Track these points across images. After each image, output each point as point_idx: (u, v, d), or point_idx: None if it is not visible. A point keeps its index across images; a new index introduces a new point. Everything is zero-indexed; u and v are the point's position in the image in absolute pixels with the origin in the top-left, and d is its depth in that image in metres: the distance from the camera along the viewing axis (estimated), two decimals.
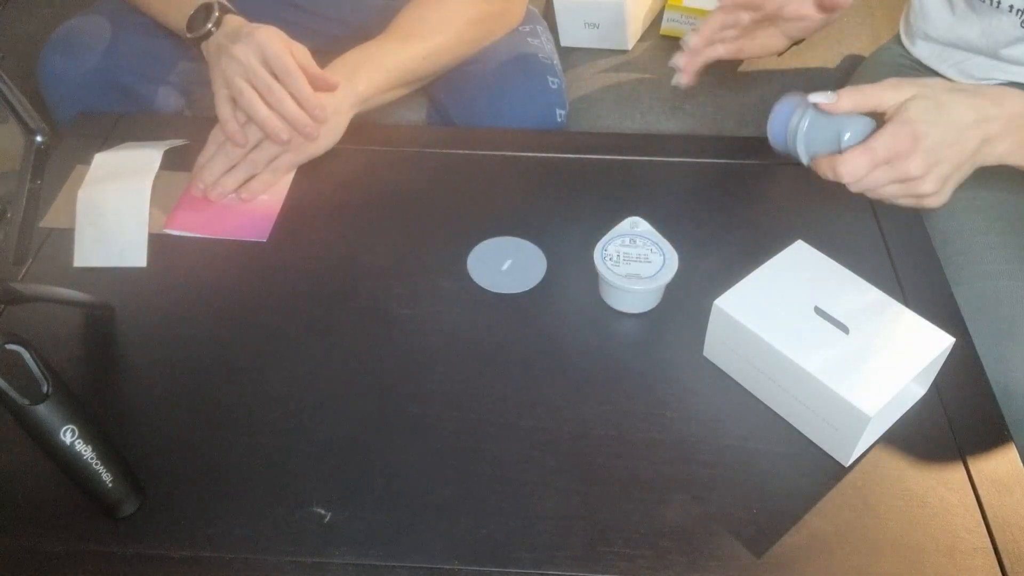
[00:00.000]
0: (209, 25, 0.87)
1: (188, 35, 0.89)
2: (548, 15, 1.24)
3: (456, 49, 0.99)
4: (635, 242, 0.75)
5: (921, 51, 1.04)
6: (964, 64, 0.98)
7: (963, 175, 0.70)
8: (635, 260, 0.74)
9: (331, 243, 0.82)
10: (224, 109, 0.82)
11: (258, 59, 0.80)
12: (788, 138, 0.72)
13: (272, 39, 0.81)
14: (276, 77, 0.81)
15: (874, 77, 1.00)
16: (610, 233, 0.76)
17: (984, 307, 0.80)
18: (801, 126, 0.71)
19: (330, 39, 1.01)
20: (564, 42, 1.24)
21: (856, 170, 0.68)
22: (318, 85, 0.84)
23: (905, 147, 0.67)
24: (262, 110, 0.80)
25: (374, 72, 0.90)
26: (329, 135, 0.87)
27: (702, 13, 1.21)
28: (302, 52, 0.84)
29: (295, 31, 0.89)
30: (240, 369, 0.71)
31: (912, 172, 0.68)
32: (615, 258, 0.74)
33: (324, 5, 1.11)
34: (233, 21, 0.88)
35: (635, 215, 0.77)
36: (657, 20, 1.27)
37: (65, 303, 0.73)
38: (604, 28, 1.21)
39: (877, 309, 0.67)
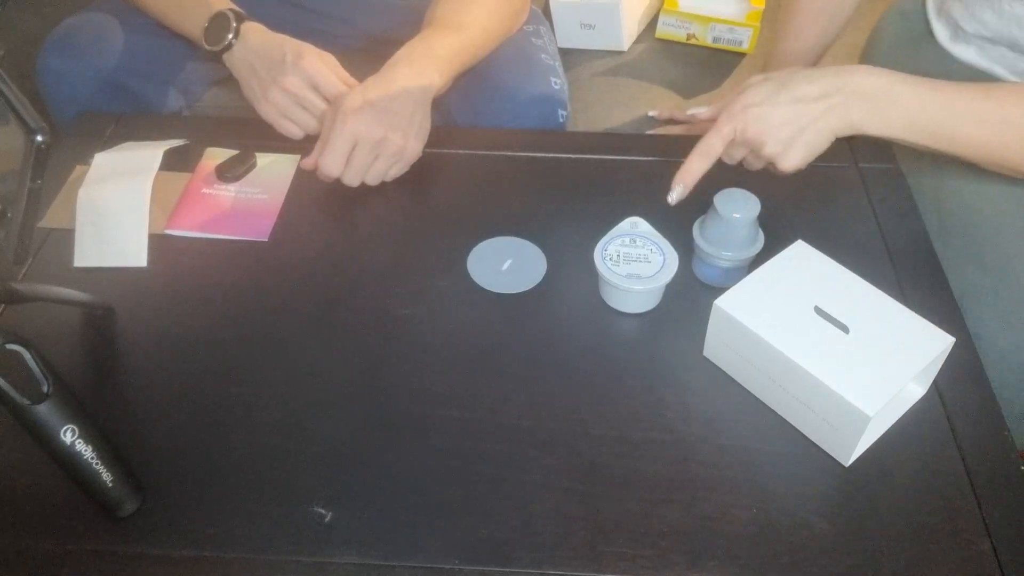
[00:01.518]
0: (230, 36, 0.89)
1: (208, 48, 0.90)
2: (544, 15, 1.24)
3: (493, 43, 1.00)
4: (635, 242, 0.75)
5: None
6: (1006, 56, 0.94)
7: (814, 140, 0.74)
8: (635, 260, 0.74)
9: (331, 243, 0.82)
10: (287, 126, 0.90)
11: (310, 88, 0.88)
12: (719, 274, 0.77)
13: (318, 68, 0.88)
14: (325, 97, 0.89)
15: (884, 47, 1.04)
16: (610, 233, 0.76)
17: (966, 266, 0.81)
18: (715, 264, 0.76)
19: (332, 38, 1.01)
20: (560, 43, 1.24)
21: (704, 158, 0.76)
22: None
23: (738, 122, 0.74)
24: (318, 127, 0.90)
25: (442, 64, 0.90)
26: (424, 132, 0.88)
27: (697, 18, 1.21)
28: (335, 64, 0.90)
29: (298, 32, 0.90)
30: (240, 369, 0.71)
31: (755, 141, 0.74)
32: (615, 258, 0.74)
33: (328, 5, 1.11)
34: (253, 32, 0.89)
35: (635, 215, 0.78)
36: (653, 22, 1.27)
37: (65, 303, 0.73)
38: (600, 29, 1.21)
39: (877, 309, 0.67)
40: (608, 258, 0.74)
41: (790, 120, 0.73)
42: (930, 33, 1.00)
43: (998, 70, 0.91)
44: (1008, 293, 0.80)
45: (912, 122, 0.74)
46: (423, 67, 0.87)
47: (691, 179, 0.76)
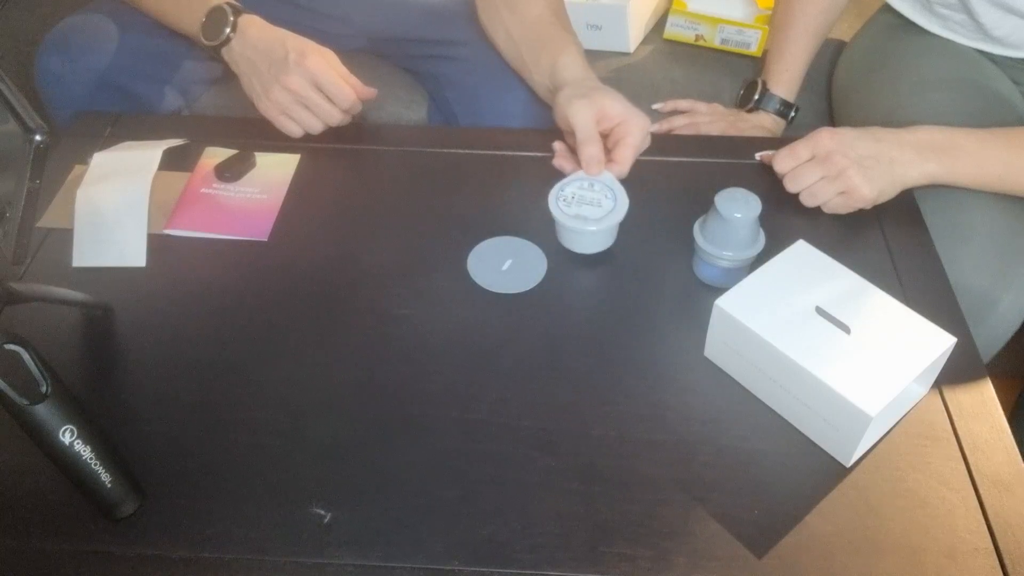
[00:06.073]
0: (227, 30, 0.89)
1: (206, 43, 0.90)
2: None
3: None
4: (593, 187, 0.79)
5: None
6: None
7: (890, 177, 0.80)
8: (587, 203, 0.77)
9: (331, 243, 0.82)
10: (287, 124, 0.90)
11: (312, 87, 0.87)
12: (720, 273, 0.77)
13: (322, 67, 0.87)
14: (328, 96, 0.89)
15: (867, 45, 1.11)
16: (570, 176, 0.80)
17: (944, 211, 0.85)
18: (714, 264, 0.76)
19: (332, 38, 1.01)
20: None
21: (783, 165, 0.83)
22: (359, 92, 0.91)
23: (825, 145, 0.80)
24: (319, 126, 0.91)
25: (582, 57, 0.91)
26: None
27: (705, 19, 1.21)
28: (337, 62, 0.90)
29: (297, 31, 0.90)
30: (240, 369, 0.71)
31: (837, 163, 0.79)
32: (569, 200, 0.78)
33: (328, 5, 1.11)
34: (252, 26, 0.89)
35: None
36: (660, 24, 1.27)
37: (64, 303, 0.73)
38: (606, 30, 1.21)
39: (878, 309, 0.67)
40: (562, 199, 0.78)
41: (875, 155, 0.80)
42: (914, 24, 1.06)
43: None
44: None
45: (980, 171, 0.81)
46: (584, 70, 0.89)
47: (768, 159, 0.86)
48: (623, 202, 0.78)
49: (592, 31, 1.21)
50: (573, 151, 0.82)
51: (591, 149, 0.79)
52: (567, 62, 0.88)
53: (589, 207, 0.77)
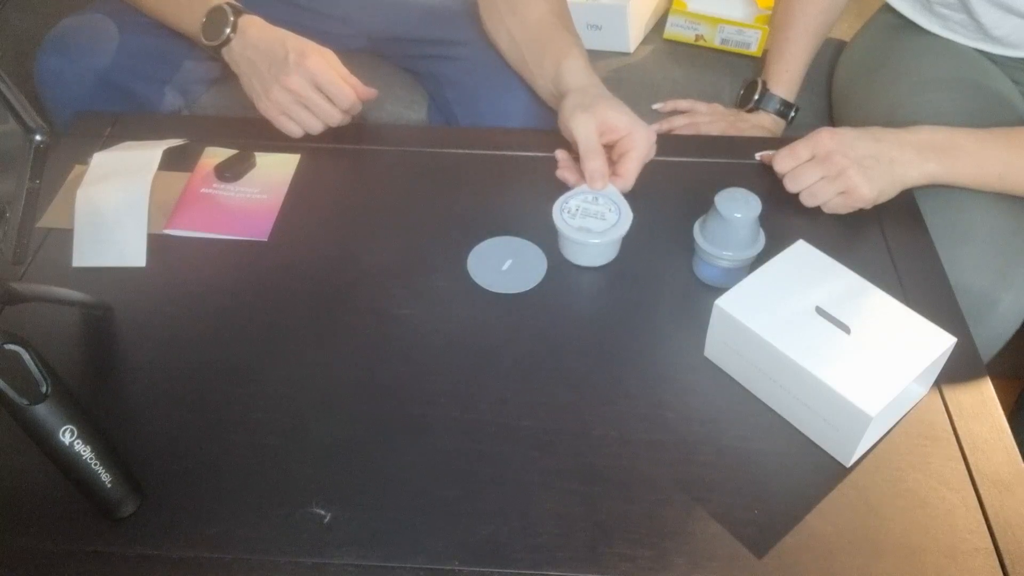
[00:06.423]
0: (227, 30, 0.89)
1: (207, 43, 0.90)
2: None
3: None
4: (598, 200, 0.79)
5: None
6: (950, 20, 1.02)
7: (889, 183, 0.80)
8: (591, 216, 0.77)
9: (331, 243, 0.82)
10: (287, 124, 0.90)
11: (312, 88, 0.87)
12: (720, 273, 0.77)
13: (322, 68, 0.87)
14: (328, 96, 0.89)
15: (867, 45, 1.12)
16: (575, 189, 0.80)
17: (944, 211, 0.84)
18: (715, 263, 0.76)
19: (332, 38, 1.01)
20: None
21: (783, 165, 0.83)
22: (359, 93, 0.91)
23: (825, 145, 0.80)
24: (319, 127, 0.91)
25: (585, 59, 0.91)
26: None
27: (705, 18, 1.21)
28: (337, 62, 0.90)
29: (297, 31, 0.90)
30: (240, 369, 0.71)
31: (837, 163, 0.79)
32: (573, 212, 0.78)
33: (328, 5, 1.11)
34: (252, 26, 0.89)
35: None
36: (660, 24, 1.27)
37: (64, 303, 0.73)
38: (606, 30, 1.21)
39: (879, 309, 0.67)
40: (566, 211, 0.78)
41: (875, 155, 0.80)
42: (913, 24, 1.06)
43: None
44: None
45: (980, 171, 0.81)
46: (588, 75, 0.88)
47: (768, 159, 0.86)
48: (627, 216, 0.78)
49: (592, 31, 1.21)
50: (577, 162, 0.82)
51: (594, 163, 0.79)
52: (571, 66, 0.87)
53: (593, 220, 0.77)
